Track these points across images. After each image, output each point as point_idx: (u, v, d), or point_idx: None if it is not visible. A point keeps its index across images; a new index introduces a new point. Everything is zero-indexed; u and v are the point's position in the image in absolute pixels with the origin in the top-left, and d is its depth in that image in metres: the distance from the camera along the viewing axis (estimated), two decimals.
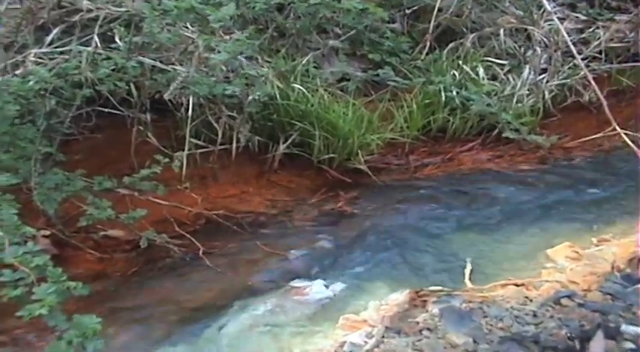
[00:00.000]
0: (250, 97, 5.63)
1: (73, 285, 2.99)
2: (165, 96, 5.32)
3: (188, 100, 5.51)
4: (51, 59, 5.03)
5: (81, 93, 4.75)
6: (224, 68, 5.50)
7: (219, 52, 5.20)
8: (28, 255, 3.12)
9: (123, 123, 5.57)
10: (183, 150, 5.41)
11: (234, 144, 5.77)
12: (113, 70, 4.77)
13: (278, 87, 5.91)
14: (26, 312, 2.83)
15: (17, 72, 4.79)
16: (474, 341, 4.03)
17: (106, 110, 5.43)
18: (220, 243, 5.18)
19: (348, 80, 6.51)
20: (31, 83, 4.41)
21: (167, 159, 4.98)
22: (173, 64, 5.36)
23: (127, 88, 5.10)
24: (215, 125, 5.70)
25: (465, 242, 5.26)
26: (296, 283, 4.78)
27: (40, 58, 5.01)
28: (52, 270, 3.01)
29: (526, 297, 4.52)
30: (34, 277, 3.00)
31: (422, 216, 5.61)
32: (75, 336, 2.76)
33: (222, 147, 5.75)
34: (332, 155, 5.98)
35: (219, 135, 5.71)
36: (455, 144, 6.63)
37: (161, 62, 5.32)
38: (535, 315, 4.29)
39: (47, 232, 4.73)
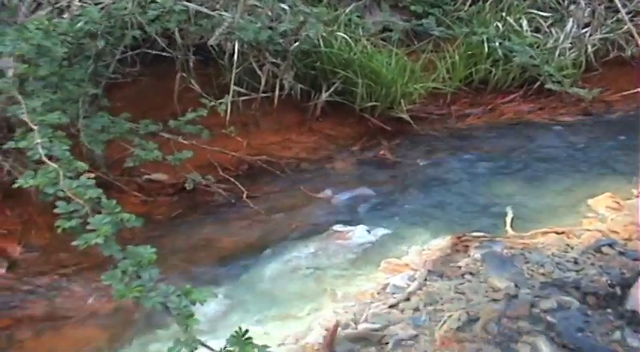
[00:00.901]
0: (303, 34, 5.65)
1: (127, 217, 3.03)
2: (210, 42, 5.34)
3: (233, 47, 5.51)
4: (96, 4, 5.05)
5: (130, 33, 4.78)
6: (270, 13, 5.50)
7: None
8: (82, 188, 3.16)
9: (165, 71, 5.60)
10: (224, 99, 5.38)
11: (276, 92, 5.79)
12: (161, 12, 4.79)
13: (321, 35, 5.89)
14: (82, 241, 2.87)
15: (64, 15, 4.82)
16: (516, 286, 4.07)
17: (153, 52, 5.44)
18: (263, 188, 5.26)
19: (390, 31, 6.49)
20: (80, 24, 4.45)
21: (212, 103, 5.00)
22: (218, 9, 5.36)
23: (174, 28, 5.10)
24: (259, 72, 5.71)
25: (506, 190, 5.30)
26: (338, 227, 4.84)
27: (84, 2, 5.03)
28: (106, 202, 3.05)
29: (567, 245, 4.56)
30: (89, 209, 3.05)
31: (463, 165, 5.65)
32: (130, 265, 2.81)
33: (265, 94, 5.77)
34: (374, 103, 5.98)
35: (262, 83, 5.72)
36: (497, 95, 6.63)
37: (206, 8, 5.33)
38: (576, 262, 4.33)
39: (91, 175, 4.77)
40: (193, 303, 2.71)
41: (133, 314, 4.04)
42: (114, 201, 3.09)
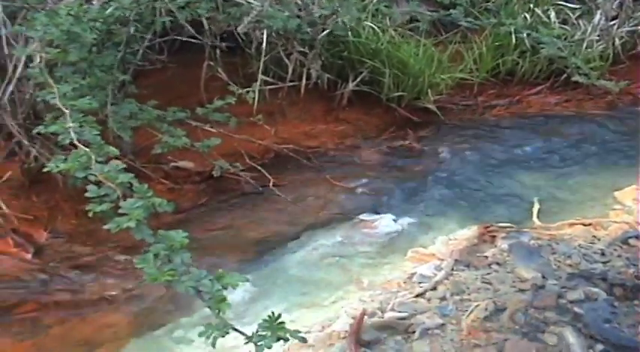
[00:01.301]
0: (337, 20, 5.67)
1: (159, 202, 3.04)
2: (239, 30, 5.35)
3: (261, 35, 5.51)
4: None
5: (160, 20, 4.79)
6: (299, 1, 5.50)
7: None
8: (113, 173, 3.16)
9: (191, 59, 5.60)
10: (252, 87, 5.38)
11: (303, 81, 5.79)
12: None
13: (350, 25, 5.88)
14: (114, 225, 2.88)
15: (94, 1, 4.83)
16: (543, 277, 4.07)
17: (180, 40, 5.47)
18: (290, 176, 5.25)
19: (418, 21, 6.47)
20: (109, 10, 4.45)
21: (240, 91, 5.01)
22: None
23: (204, 15, 5.10)
24: (286, 61, 5.72)
25: (533, 182, 5.30)
26: (364, 216, 4.85)
27: None
28: (138, 186, 3.05)
29: (594, 236, 4.55)
30: (120, 193, 3.05)
31: (489, 156, 5.64)
32: (162, 249, 2.82)
33: (292, 84, 5.77)
34: (401, 93, 5.98)
35: (289, 72, 5.73)
36: (523, 87, 6.63)
37: None
38: (603, 254, 4.32)
39: (118, 162, 4.78)
40: (225, 288, 2.71)
41: (157, 300, 4.06)
42: (145, 186, 3.09)
